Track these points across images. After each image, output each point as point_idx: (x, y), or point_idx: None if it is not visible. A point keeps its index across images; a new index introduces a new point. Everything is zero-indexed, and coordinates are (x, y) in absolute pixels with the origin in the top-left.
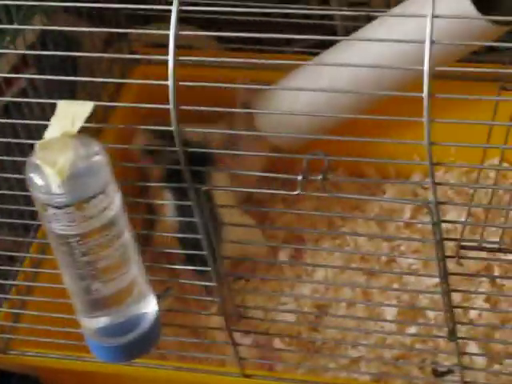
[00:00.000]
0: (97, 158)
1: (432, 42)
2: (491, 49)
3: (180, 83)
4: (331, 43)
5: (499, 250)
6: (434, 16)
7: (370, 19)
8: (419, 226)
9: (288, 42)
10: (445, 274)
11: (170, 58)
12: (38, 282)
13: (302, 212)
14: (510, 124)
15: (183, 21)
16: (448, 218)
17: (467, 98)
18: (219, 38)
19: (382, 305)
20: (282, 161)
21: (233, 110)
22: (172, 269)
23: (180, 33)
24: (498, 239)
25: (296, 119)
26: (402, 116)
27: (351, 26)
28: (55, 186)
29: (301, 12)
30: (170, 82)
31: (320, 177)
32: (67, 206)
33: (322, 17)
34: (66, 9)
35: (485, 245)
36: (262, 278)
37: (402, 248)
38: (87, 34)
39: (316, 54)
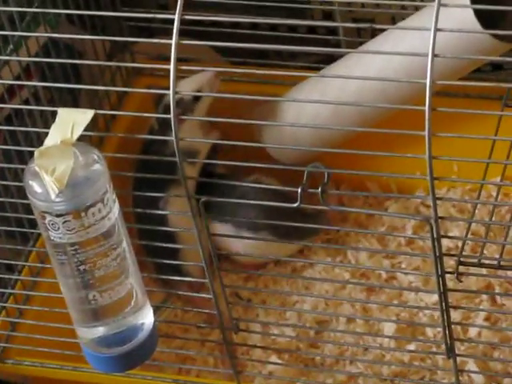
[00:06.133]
0: (96, 166)
1: (434, 56)
2: (496, 67)
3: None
4: (335, 59)
5: (499, 267)
6: (436, 29)
7: (374, 35)
8: (420, 243)
9: (292, 56)
10: (444, 290)
11: (172, 66)
12: (36, 291)
13: (303, 225)
14: None
15: (186, 34)
16: (449, 235)
17: (469, 113)
18: (222, 52)
19: (381, 320)
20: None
21: (233, 120)
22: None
23: (182, 42)
24: (498, 256)
25: (300, 133)
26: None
27: (356, 42)
28: (53, 193)
29: (305, 24)
30: (171, 91)
31: (319, 190)
32: (65, 214)
33: (327, 32)
34: (71, 20)
35: (484, 261)
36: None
37: (403, 265)
38: (90, 46)
39: (320, 69)
